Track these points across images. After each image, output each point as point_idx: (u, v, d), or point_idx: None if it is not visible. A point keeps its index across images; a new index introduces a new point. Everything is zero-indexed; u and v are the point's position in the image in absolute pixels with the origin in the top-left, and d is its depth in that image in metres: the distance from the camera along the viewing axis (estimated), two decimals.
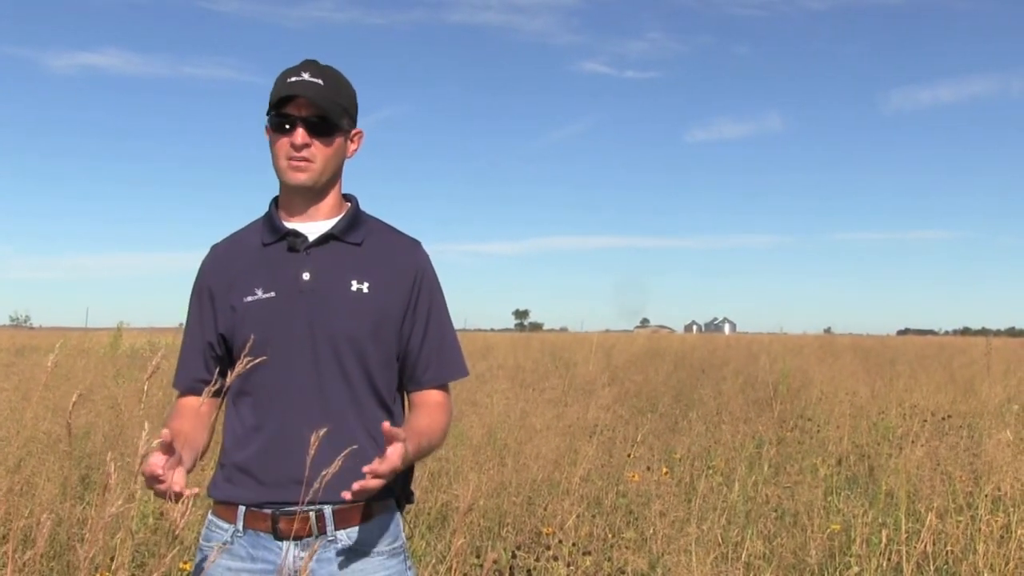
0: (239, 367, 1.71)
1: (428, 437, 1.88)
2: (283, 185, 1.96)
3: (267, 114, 1.94)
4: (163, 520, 3.90)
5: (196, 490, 1.61)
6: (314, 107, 1.89)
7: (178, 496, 1.61)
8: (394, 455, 1.66)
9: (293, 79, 1.90)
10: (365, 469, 1.64)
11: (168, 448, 1.63)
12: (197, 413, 1.92)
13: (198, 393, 1.92)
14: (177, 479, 1.63)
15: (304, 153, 1.89)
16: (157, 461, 1.61)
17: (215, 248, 2.03)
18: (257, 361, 1.73)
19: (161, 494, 1.63)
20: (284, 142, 1.90)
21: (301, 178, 1.91)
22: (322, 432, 1.63)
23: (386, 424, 1.68)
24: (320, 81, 1.91)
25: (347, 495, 1.65)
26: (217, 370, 1.94)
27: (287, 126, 1.89)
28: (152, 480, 1.61)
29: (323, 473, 1.59)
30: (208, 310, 1.96)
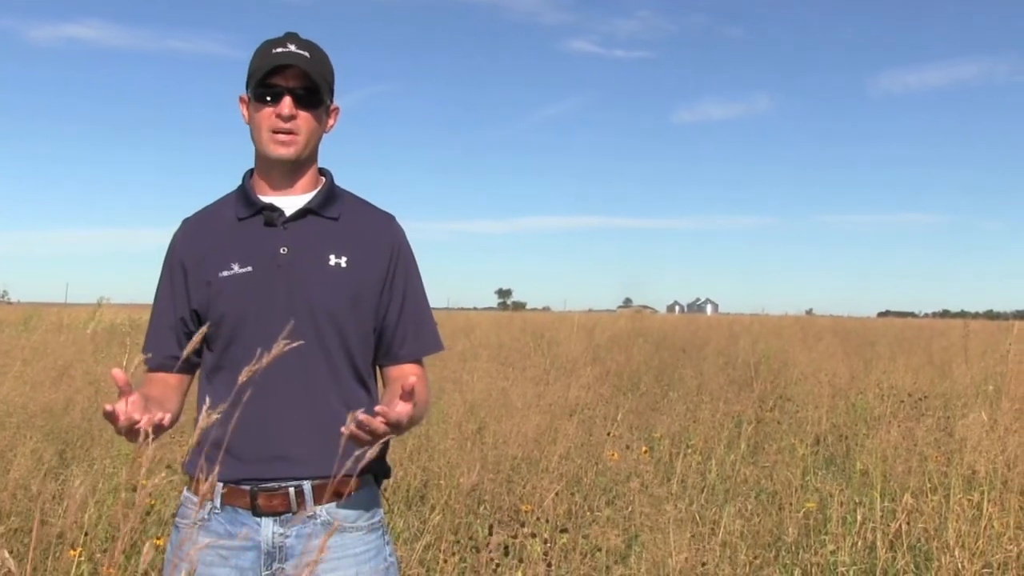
0: (239, 351, 1.66)
1: (417, 408, 1.88)
2: (262, 159, 1.93)
3: (248, 85, 1.91)
4: (136, 494, 3.89)
5: (161, 414, 1.60)
6: (302, 78, 1.87)
7: (158, 428, 1.60)
8: (404, 410, 1.67)
9: (279, 50, 1.87)
10: (377, 409, 1.62)
11: (127, 390, 1.59)
12: (166, 383, 1.90)
13: (169, 369, 1.90)
14: (147, 417, 1.61)
15: (289, 125, 1.87)
16: (121, 407, 1.59)
17: (187, 222, 2.00)
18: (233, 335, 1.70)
19: (135, 436, 1.61)
20: (268, 113, 1.87)
21: (285, 152, 1.88)
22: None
23: (412, 380, 1.66)
24: (306, 53, 1.89)
25: (345, 429, 1.62)
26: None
27: (273, 97, 1.87)
28: (114, 420, 1.59)
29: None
30: (181, 285, 1.93)
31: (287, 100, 1.86)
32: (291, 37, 1.91)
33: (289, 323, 1.86)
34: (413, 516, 4.48)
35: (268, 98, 1.87)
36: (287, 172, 1.94)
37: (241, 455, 1.83)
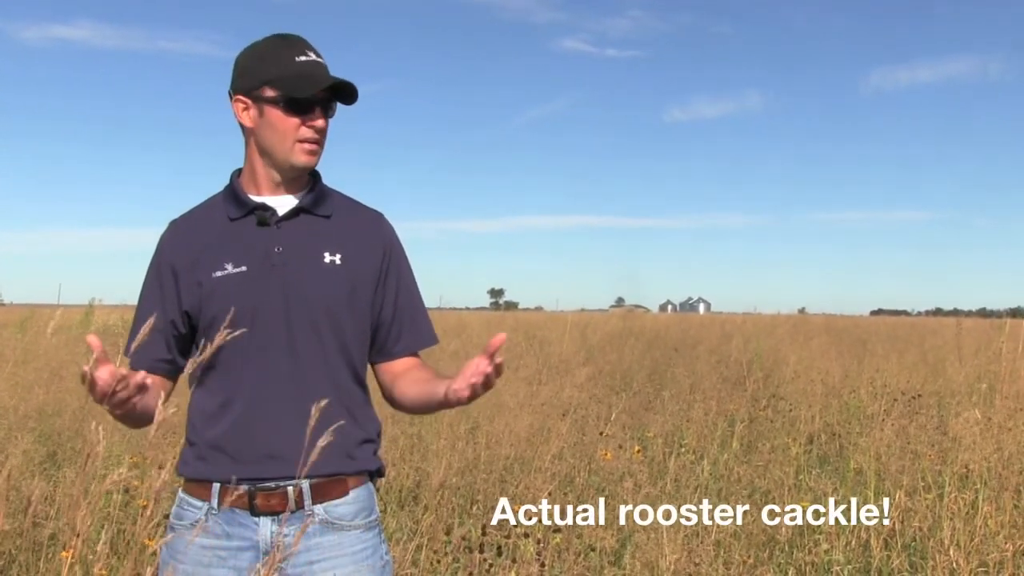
0: (217, 340, 1.67)
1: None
2: (277, 164, 1.91)
3: (249, 87, 1.88)
4: (131, 495, 3.88)
5: (143, 374, 1.66)
6: (332, 91, 1.88)
7: (140, 387, 1.64)
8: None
9: (302, 59, 1.86)
10: (482, 369, 1.70)
11: (104, 358, 1.60)
12: (154, 385, 1.89)
13: (154, 372, 1.90)
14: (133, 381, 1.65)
15: (319, 137, 1.89)
16: (100, 375, 1.61)
17: (175, 224, 1.99)
18: (226, 334, 1.70)
19: (122, 404, 1.65)
20: (298, 123, 1.86)
21: (312, 160, 1.90)
22: (323, 403, 1.62)
23: (502, 336, 1.70)
24: (324, 61, 1.90)
25: (465, 393, 1.75)
26: (177, 349, 1.93)
27: (309, 109, 1.86)
28: (93, 385, 1.61)
29: (321, 444, 1.59)
30: (171, 288, 1.91)
31: (321, 113, 1.88)
32: (305, 43, 1.90)
33: (283, 322, 1.87)
34: (406, 516, 4.47)
35: (303, 109, 1.87)
36: (294, 176, 1.93)
37: (237, 455, 1.83)
